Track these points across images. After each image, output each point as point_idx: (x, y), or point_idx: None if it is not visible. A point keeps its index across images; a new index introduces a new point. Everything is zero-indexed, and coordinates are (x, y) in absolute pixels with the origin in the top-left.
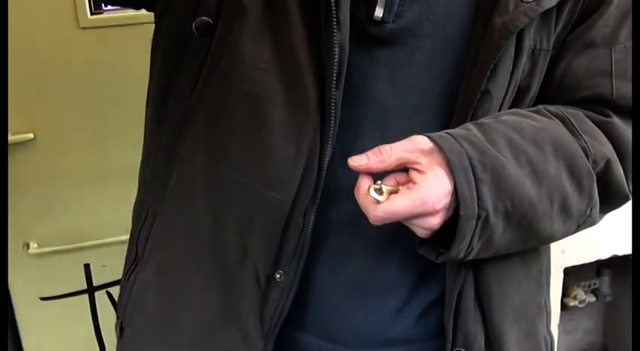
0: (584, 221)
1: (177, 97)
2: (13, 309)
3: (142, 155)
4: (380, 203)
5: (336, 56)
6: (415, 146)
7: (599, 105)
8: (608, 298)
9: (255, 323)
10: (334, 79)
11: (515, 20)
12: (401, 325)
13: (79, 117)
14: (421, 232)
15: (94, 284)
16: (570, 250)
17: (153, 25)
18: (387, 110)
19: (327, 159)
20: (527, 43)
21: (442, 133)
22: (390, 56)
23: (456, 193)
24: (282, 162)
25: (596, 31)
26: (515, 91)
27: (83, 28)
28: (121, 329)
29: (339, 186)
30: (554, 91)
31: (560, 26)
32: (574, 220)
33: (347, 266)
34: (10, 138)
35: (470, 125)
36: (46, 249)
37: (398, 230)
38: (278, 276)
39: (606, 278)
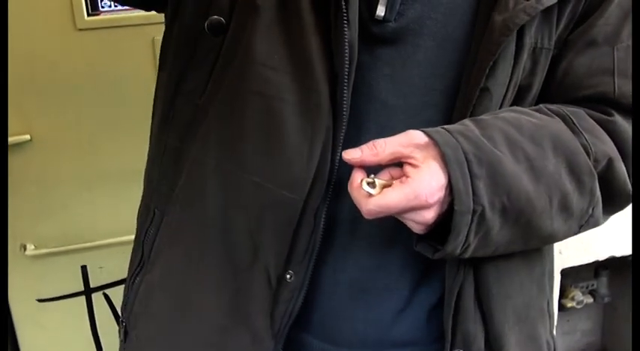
0: (587, 221)
1: (186, 97)
2: (10, 311)
3: (148, 157)
4: (372, 197)
5: (347, 54)
6: (410, 140)
7: (601, 103)
8: (606, 299)
9: (266, 323)
10: (346, 77)
11: (515, 18)
12: (402, 326)
13: (76, 118)
14: (416, 228)
15: (91, 286)
16: (568, 251)
17: (149, 27)
18: (390, 109)
19: (338, 157)
20: (528, 41)
21: (438, 128)
22: (392, 55)
23: (450, 187)
24: (295, 161)
25: (598, 29)
26: (517, 89)
27: (80, 29)
28: (125, 333)
29: (342, 185)
30: (555, 89)
31: (562, 25)
32: (575, 220)
33: (348, 266)
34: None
35: (467, 121)
36: (43, 250)
37: (398, 229)
38: (288, 276)
39: (604, 279)
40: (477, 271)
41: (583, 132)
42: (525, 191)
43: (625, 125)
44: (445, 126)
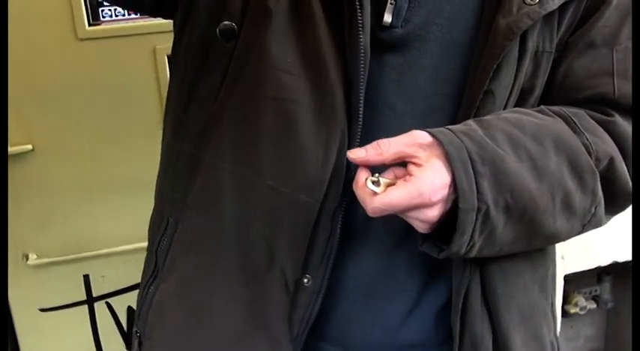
0: (589, 221)
1: (200, 103)
2: (13, 320)
3: (160, 166)
4: (377, 195)
5: (362, 58)
6: (414, 140)
7: (601, 104)
8: (609, 305)
9: (284, 328)
10: (362, 80)
11: (519, 22)
12: (410, 328)
13: (78, 128)
14: (420, 226)
15: (94, 295)
16: (570, 257)
17: (150, 36)
18: (397, 114)
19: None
20: (531, 44)
21: (442, 128)
22: (398, 61)
23: (454, 186)
24: (311, 164)
25: (596, 31)
26: (519, 92)
27: (81, 39)
28: (139, 344)
29: (351, 189)
30: (556, 92)
31: (563, 28)
32: (578, 219)
33: (357, 269)
34: (9, 149)
35: (470, 121)
36: (45, 260)
37: (405, 232)
38: (306, 280)
39: (607, 285)
40: (483, 271)
41: (584, 132)
42: (528, 189)
43: (625, 125)
44: (449, 126)
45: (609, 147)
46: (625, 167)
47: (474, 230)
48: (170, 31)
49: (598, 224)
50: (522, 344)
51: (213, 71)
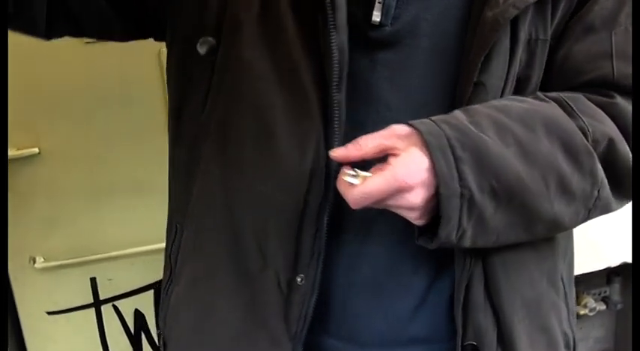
0: (595, 205)
1: (190, 115)
2: (20, 323)
3: (168, 174)
4: (355, 186)
5: (336, 59)
6: (392, 132)
7: (602, 87)
8: (618, 306)
9: (282, 327)
10: (335, 81)
11: (505, 12)
12: (418, 323)
13: (84, 131)
14: (409, 215)
15: (101, 298)
16: (579, 258)
17: None
18: (393, 110)
19: (334, 161)
20: (523, 34)
21: (423, 119)
22: (390, 58)
23: (435, 173)
24: (289, 166)
25: (594, 14)
26: (515, 82)
27: (87, 42)
28: (164, 345)
29: (335, 189)
30: (556, 78)
31: (558, 15)
32: (580, 203)
33: (363, 266)
34: (15, 153)
35: (457, 111)
36: (53, 263)
37: (409, 228)
38: (299, 280)
39: (616, 286)
40: (486, 265)
41: (580, 114)
42: (515, 173)
43: (627, 106)
44: (432, 117)
45: (608, 128)
46: (628, 148)
47: (460, 216)
48: None
49: (607, 209)
50: (528, 336)
51: (199, 85)
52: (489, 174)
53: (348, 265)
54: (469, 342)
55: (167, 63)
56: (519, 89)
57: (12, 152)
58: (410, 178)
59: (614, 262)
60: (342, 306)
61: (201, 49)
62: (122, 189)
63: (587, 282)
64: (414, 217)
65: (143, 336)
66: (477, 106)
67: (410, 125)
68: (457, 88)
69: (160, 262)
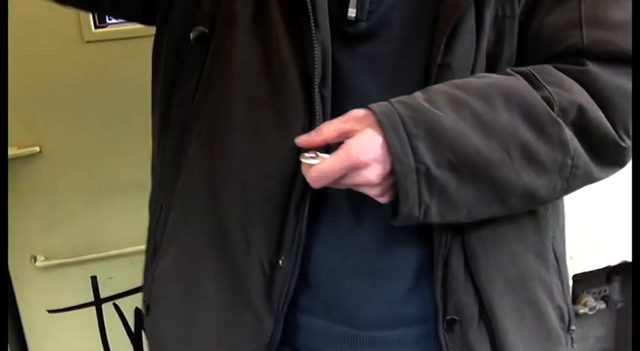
0: (573, 174)
1: (180, 103)
2: (21, 322)
3: (152, 156)
4: (314, 166)
5: (317, 55)
6: (349, 116)
7: (574, 56)
8: (618, 305)
9: (265, 303)
10: (319, 76)
11: None
12: (412, 304)
13: (85, 130)
14: (372, 193)
15: (101, 296)
16: (579, 257)
17: None
18: (374, 100)
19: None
20: (489, 13)
21: (381, 102)
22: (369, 49)
23: (390, 150)
24: (276, 158)
25: None
26: (485, 59)
27: (88, 41)
28: (147, 309)
29: None
30: (531, 52)
31: None
32: (554, 173)
33: (356, 251)
34: (16, 152)
35: (416, 92)
36: (53, 262)
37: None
38: (281, 262)
39: (616, 285)
40: (464, 242)
41: (545, 85)
42: (474, 146)
43: (600, 72)
44: (391, 98)
45: (577, 96)
46: (601, 115)
47: (420, 191)
48: None
49: (589, 178)
50: (513, 311)
51: (190, 73)
52: (445, 148)
53: (343, 250)
54: (450, 316)
55: (156, 47)
56: (491, 67)
57: (13, 151)
58: (363, 155)
59: (614, 261)
60: (335, 290)
61: (195, 39)
62: (123, 188)
63: (587, 281)
64: (376, 194)
65: (144, 334)
66: (436, 85)
67: (367, 108)
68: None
69: None
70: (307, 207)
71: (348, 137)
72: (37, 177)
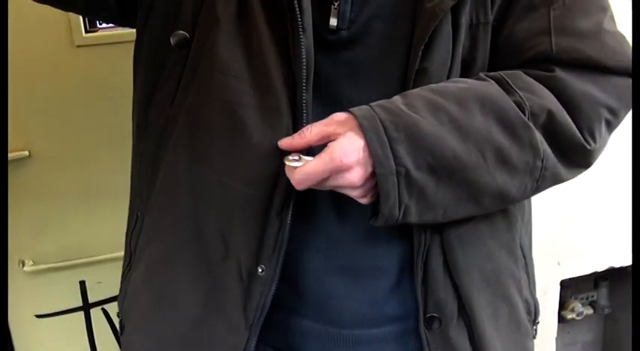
0: (542, 175)
1: (158, 107)
2: (9, 326)
3: (132, 162)
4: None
5: (304, 60)
6: (331, 119)
7: (544, 63)
8: (606, 311)
9: (239, 315)
10: (303, 81)
11: (441, 4)
12: (394, 302)
13: (75, 134)
14: (354, 195)
15: (90, 301)
16: (567, 263)
17: None
18: (354, 105)
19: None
20: (464, 20)
21: (362, 106)
22: (349, 56)
23: (371, 153)
24: (258, 162)
25: None
26: (460, 65)
27: (78, 46)
28: (122, 327)
29: None
30: (501, 58)
31: None
32: (525, 174)
33: (339, 252)
34: None
35: (396, 96)
36: (42, 266)
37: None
38: (260, 270)
39: (604, 290)
40: (443, 241)
41: (517, 90)
42: (451, 148)
43: (567, 78)
44: (371, 103)
45: (547, 101)
46: (568, 119)
47: (400, 193)
48: None
49: (557, 179)
50: (488, 305)
51: (169, 77)
52: (424, 151)
53: (326, 251)
54: (430, 314)
55: (136, 50)
56: (465, 72)
57: None
58: (346, 158)
59: (602, 267)
60: (319, 290)
61: (176, 43)
62: (112, 192)
63: (575, 287)
64: (358, 196)
65: None
66: (414, 90)
67: (349, 112)
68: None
69: None
70: (290, 212)
71: (330, 140)
72: (26, 181)
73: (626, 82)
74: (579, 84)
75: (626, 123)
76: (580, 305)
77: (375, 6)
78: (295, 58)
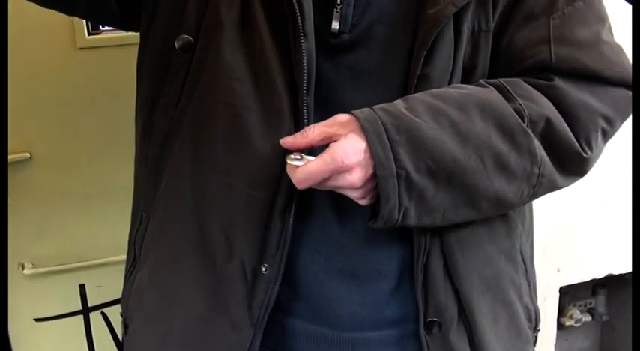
0: (539, 182)
1: (163, 110)
2: (7, 330)
3: (135, 164)
4: (299, 168)
5: (305, 64)
6: (334, 121)
7: (543, 71)
8: (604, 318)
9: (244, 313)
10: (305, 84)
11: (444, 10)
12: (394, 305)
13: (76, 137)
14: (354, 196)
15: (89, 305)
16: (566, 269)
17: None
18: (355, 108)
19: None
20: (467, 27)
21: (364, 108)
22: (351, 60)
23: (372, 155)
24: (261, 163)
25: (534, 2)
26: (461, 71)
27: (81, 48)
28: (125, 326)
29: None
30: (501, 65)
31: (500, 6)
32: (522, 180)
33: (340, 255)
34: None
35: (397, 100)
36: (42, 269)
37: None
38: (264, 269)
39: (602, 297)
40: (443, 245)
41: (517, 97)
42: (451, 153)
43: (566, 87)
44: (373, 106)
45: (545, 109)
46: (566, 127)
47: (400, 195)
48: None
49: (553, 185)
50: (489, 311)
51: (174, 81)
52: (425, 154)
53: (327, 253)
54: (431, 318)
55: (140, 53)
56: (466, 78)
57: None
58: (348, 159)
59: (601, 274)
60: (318, 292)
61: (180, 47)
62: (113, 195)
63: (573, 293)
64: (357, 197)
65: None
66: (415, 94)
67: (351, 114)
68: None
69: None
70: (292, 213)
71: (332, 140)
72: (27, 183)
73: (623, 93)
74: (577, 93)
75: (626, 131)
76: (578, 312)
77: (378, 11)
78: (296, 63)
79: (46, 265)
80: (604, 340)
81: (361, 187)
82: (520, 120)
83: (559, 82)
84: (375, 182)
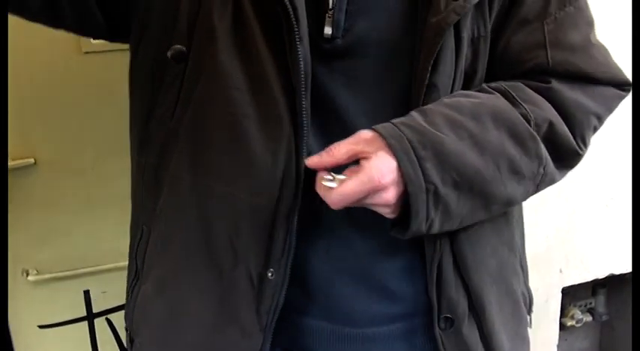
0: (542, 180)
1: (158, 121)
2: (11, 337)
3: (131, 177)
4: (334, 189)
5: (302, 68)
6: (359, 138)
7: (540, 75)
8: (603, 318)
9: (253, 319)
10: (302, 89)
11: (447, 18)
12: (403, 301)
13: (81, 142)
14: (384, 211)
15: (94, 311)
16: (568, 270)
17: None
18: (350, 114)
19: (303, 164)
20: (466, 33)
21: (385, 123)
22: (345, 65)
23: (401, 172)
24: (262, 170)
25: (528, 7)
26: (463, 77)
27: (86, 52)
28: (130, 340)
29: (304, 191)
30: (498, 69)
31: (495, 11)
32: (529, 181)
33: (348, 255)
34: (11, 163)
35: (413, 112)
36: (46, 276)
37: (388, 219)
38: (270, 274)
39: (602, 297)
40: (453, 244)
41: (522, 103)
42: (472, 164)
43: (562, 89)
44: (393, 120)
45: (547, 112)
46: (565, 128)
47: (428, 208)
48: None
49: (552, 182)
50: (496, 302)
51: (168, 91)
52: (450, 168)
53: (335, 254)
54: (444, 315)
55: (132, 65)
56: (467, 83)
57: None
58: (384, 179)
59: (602, 274)
60: (329, 291)
61: (173, 57)
62: (118, 200)
63: (574, 294)
64: (388, 212)
65: None
66: (430, 106)
67: (373, 130)
68: (412, 90)
69: None
70: (296, 217)
71: (358, 158)
72: (31, 189)
73: (612, 92)
74: (572, 94)
75: (626, 132)
76: (579, 312)
77: (372, 16)
78: (293, 68)
79: (50, 271)
80: (604, 340)
81: (394, 204)
82: (527, 125)
83: (556, 84)
84: (404, 197)
